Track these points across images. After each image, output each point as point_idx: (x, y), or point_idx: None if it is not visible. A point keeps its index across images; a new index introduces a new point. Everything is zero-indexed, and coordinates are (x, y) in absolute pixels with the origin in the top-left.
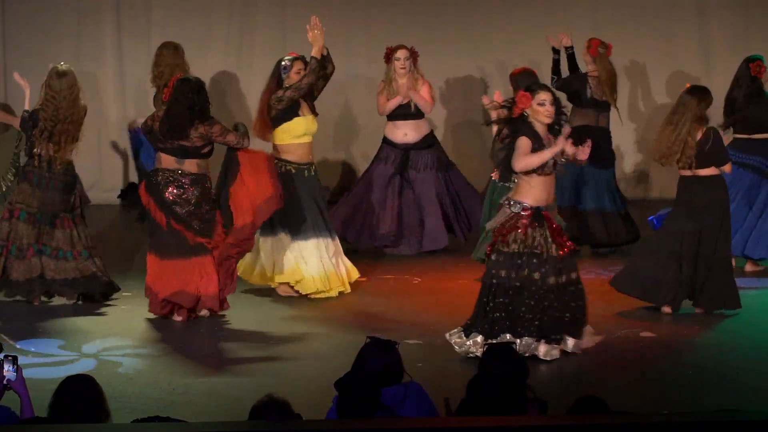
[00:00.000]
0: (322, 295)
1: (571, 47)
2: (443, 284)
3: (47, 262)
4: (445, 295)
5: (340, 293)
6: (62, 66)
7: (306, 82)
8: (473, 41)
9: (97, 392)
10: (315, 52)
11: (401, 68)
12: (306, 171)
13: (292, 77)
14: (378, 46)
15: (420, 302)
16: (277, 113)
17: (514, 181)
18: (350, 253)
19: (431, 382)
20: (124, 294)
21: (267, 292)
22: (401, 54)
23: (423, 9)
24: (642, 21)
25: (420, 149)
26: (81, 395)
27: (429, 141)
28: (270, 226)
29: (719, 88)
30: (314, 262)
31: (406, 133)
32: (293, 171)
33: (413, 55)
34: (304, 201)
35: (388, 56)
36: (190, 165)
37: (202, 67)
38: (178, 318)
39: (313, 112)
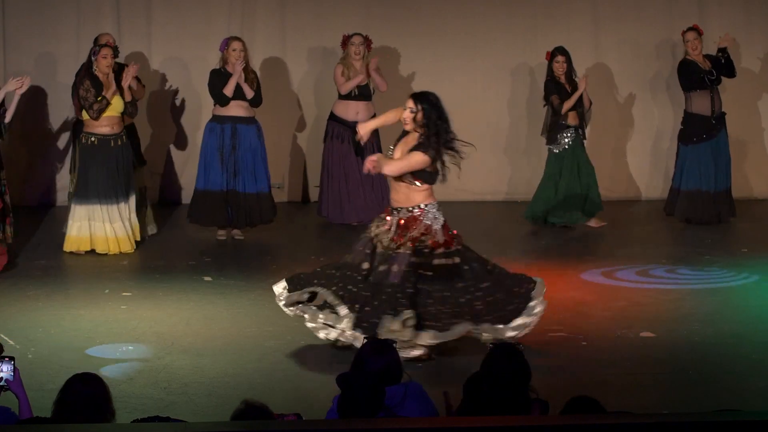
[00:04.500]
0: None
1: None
2: None
3: None
4: None
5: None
6: None
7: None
8: (473, 39)
9: (103, 391)
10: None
11: (356, 53)
12: (112, 141)
13: (100, 60)
14: (377, 45)
15: None
16: (80, 95)
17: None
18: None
19: (431, 382)
20: (123, 294)
21: (268, 291)
22: (356, 40)
23: (422, 8)
24: (642, 17)
25: None
26: (87, 394)
27: None
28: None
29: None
30: (85, 225)
31: (358, 112)
32: (96, 142)
33: (367, 42)
34: (99, 169)
35: (345, 42)
36: None
37: (202, 65)
38: None
39: (122, 94)
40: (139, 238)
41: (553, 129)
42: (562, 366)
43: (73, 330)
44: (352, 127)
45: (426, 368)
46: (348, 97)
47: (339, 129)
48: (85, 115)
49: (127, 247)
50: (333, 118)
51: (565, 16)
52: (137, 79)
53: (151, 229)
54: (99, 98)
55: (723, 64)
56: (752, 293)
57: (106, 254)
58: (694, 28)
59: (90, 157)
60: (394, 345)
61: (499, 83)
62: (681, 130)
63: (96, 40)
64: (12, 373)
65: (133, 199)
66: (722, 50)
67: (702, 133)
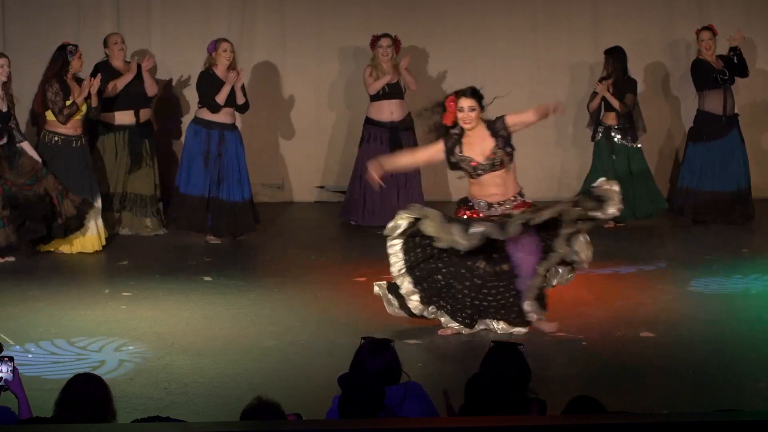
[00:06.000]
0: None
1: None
2: None
3: None
4: None
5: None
6: None
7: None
8: (473, 39)
9: (104, 391)
10: None
11: (383, 55)
12: (74, 142)
13: (77, 60)
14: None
15: None
16: (48, 97)
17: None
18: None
19: (431, 382)
20: (123, 294)
21: (268, 291)
22: (384, 42)
23: (423, 8)
24: (643, 17)
25: (403, 129)
26: (89, 394)
27: (409, 121)
28: None
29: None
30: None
31: (392, 111)
32: (60, 142)
33: (395, 44)
34: (63, 169)
35: (373, 43)
36: None
37: (201, 65)
38: None
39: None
40: (104, 242)
41: (589, 123)
42: (562, 366)
43: (74, 330)
44: (388, 127)
45: (426, 369)
46: (379, 97)
47: (376, 131)
48: (49, 115)
49: (95, 245)
50: (368, 121)
51: (566, 16)
52: (151, 75)
53: (154, 228)
54: (69, 103)
55: (735, 64)
56: (752, 293)
57: (71, 252)
58: (708, 28)
59: (53, 156)
60: (392, 344)
61: (498, 82)
62: (692, 128)
63: (61, 45)
64: (11, 374)
65: (99, 200)
66: (733, 49)
67: (712, 132)
